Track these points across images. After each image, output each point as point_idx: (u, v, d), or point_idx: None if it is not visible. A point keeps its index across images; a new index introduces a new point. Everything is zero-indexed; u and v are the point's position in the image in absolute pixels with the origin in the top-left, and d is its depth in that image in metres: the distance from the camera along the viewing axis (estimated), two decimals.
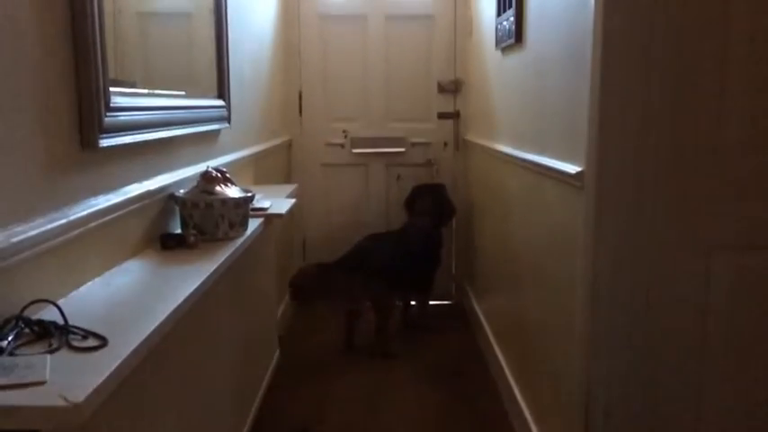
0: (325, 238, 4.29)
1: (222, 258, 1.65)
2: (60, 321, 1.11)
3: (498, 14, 2.97)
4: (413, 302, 3.89)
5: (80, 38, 1.30)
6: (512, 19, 2.66)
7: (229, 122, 2.50)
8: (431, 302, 3.94)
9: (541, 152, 2.27)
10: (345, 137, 4.23)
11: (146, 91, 1.77)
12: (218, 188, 1.89)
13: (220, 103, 2.40)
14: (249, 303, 2.55)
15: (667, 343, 1.76)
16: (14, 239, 1.07)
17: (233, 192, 1.92)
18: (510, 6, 2.70)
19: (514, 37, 2.62)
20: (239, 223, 1.90)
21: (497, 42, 3.01)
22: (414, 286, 3.77)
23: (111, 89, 1.42)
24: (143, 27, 1.87)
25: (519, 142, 2.67)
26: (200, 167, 2.03)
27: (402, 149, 4.24)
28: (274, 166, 3.69)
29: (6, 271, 1.07)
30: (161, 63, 2.02)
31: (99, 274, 1.43)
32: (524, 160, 2.47)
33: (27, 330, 1.07)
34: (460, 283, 4.32)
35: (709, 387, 1.78)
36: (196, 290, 1.39)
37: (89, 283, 1.37)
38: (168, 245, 1.73)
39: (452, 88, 4.19)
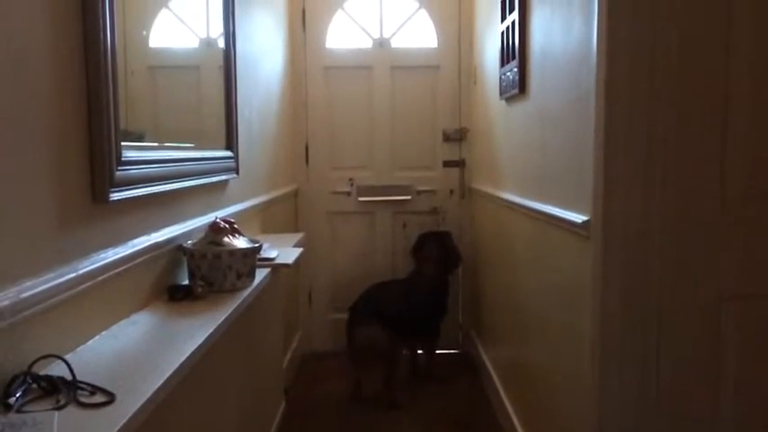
0: (331, 286, 4.29)
1: (229, 311, 1.64)
2: (68, 376, 1.10)
3: (502, 65, 3.02)
4: (420, 351, 3.86)
5: (94, 96, 1.33)
6: (515, 70, 2.71)
7: (237, 173, 2.52)
8: (438, 351, 3.90)
9: (547, 201, 2.28)
10: (352, 185, 4.26)
11: (156, 144, 1.80)
12: (225, 239, 1.90)
13: (229, 154, 2.43)
14: (255, 353, 2.54)
15: (679, 394, 1.74)
16: (24, 295, 1.07)
17: (240, 242, 1.92)
18: (513, 57, 2.75)
19: (518, 87, 2.67)
20: (247, 274, 1.91)
21: (501, 92, 3.06)
22: (421, 335, 3.75)
23: (123, 143, 1.44)
24: (153, 80, 1.91)
25: (524, 190, 2.69)
26: (209, 218, 2.05)
27: (408, 197, 4.26)
28: (281, 214, 3.71)
29: (16, 326, 1.07)
30: (170, 115, 2.05)
31: (107, 327, 1.43)
32: (530, 208, 2.48)
33: (35, 386, 1.06)
34: (467, 331, 4.28)
35: None
36: (203, 343, 1.39)
37: (97, 337, 1.37)
38: (176, 296, 1.74)
39: (457, 137, 4.24)
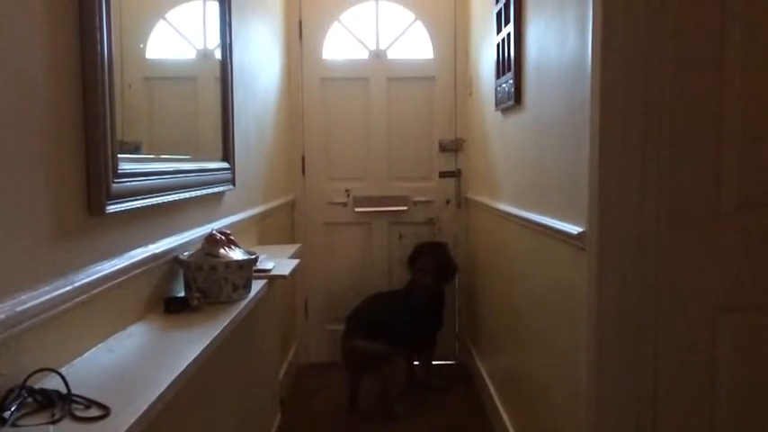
0: (327, 297, 4.28)
1: (225, 323, 1.64)
2: (63, 390, 1.10)
3: (498, 77, 3.04)
4: (416, 362, 3.85)
5: (91, 109, 1.33)
6: (511, 81, 2.72)
7: (234, 184, 2.53)
8: (434, 362, 3.90)
9: (543, 212, 2.29)
10: (348, 196, 4.27)
11: (152, 156, 1.80)
12: (221, 251, 1.90)
13: (225, 165, 2.43)
14: (251, 365, 2.53)
15: (676, 405, 1.74)
16: (20, 308, 1.07)
17: (236, 254, 1.92)
18: (509, 69, 2.77)
19: (514, 99, 2.68)
20: (243, 285, 1.91)
21: (497, 103, 3.07)
22: (417, 345, 3.74)
23: (119, 156, 1.44)
24: (150, 91, 1.91)
25: (520, 201, 2.69)
26: (205, 229, 2.05)
27: (404, 208, 4.27)
28: (278, 225, 3.71)
29: (11, 340, 1.07)
30: (167, 126, 2.05)
31: (102, 340, 1.42)
32: (526, 219, 2.49)
33: (30, 400, 1.06)
34: (464, 342, 4.28)
35: None
36: (199, 356, 1.39)
37: (93, 350, 1.36)
38: (172, 308, 1.73)
39: (454, 147, 4.25)
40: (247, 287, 1.94)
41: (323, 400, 3.61)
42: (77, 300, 1.27)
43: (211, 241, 1.91)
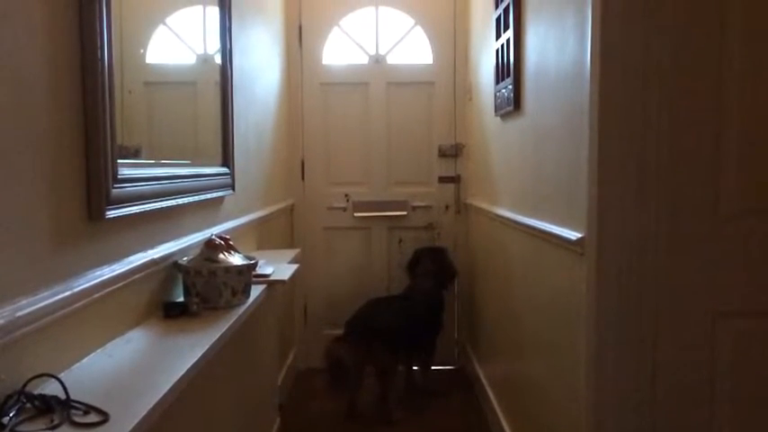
0: (326, 301, 4.28)
1: (224, 328, 1.64)
2: (62, 395, 1.10)
3: (497, 82, 3.04)
4: (415, 367, 3.85)
5: (90, 115, 1.33)
6: (510, 87, 2.72)
7: (233, 189, 2.53)
8: (433, 367, 3.89)
9: (542, 217, 2.29)
10: (347, 201, 4.27)
11: (152, 161, 1.81)
12: (221, 256, 1.90)
13: (225, 170, 2.43)
14: (250, 370, 2.53)
15: (675, 410, 1.74)
16: (19, 314, 1.07)
17: (236, 259, 1.92)
18: (508, 75, 2.77)
19: (513, 104, 2.68)
20: (242, 291, 1.91)
21: (496, 109, 3.08)
22: (417, 350, 3.74)
23: (119, 161, 1.44)
24: (150, 95, 1.91)
25: (519, 206, 2.70)
26: (205, 234, 2.05)
27: (404, 213, 4.27)
28: (277, 230, 3.71)
29: (10, 345, 1.07)
30: (166, 130, 2.05)
31: (102, 345, 1.42)
32: (525, 225, 2.49)
33: (29, 405, 1.06)
34: (463, 347, 4.27)
35: None
36: (198, 362, 1.39)
37: (92, 355, 1.36)
38: (171, 314, 1.73)
39: (453, 152, 4.26)
40: (246, 292, 1.94)
41: (322, 405, 3.60)
42: (77, 305, 1.27)
43: (211, 246, 1.91)
